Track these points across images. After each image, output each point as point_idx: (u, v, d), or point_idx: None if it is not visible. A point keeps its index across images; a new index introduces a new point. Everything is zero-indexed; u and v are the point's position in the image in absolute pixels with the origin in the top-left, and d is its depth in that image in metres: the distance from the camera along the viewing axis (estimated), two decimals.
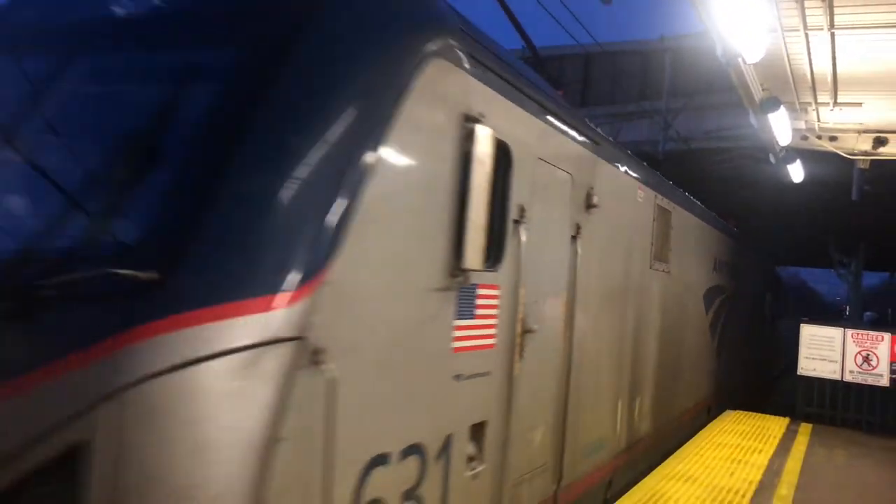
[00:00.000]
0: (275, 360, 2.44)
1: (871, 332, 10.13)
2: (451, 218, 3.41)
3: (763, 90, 7.91)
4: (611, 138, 6.80)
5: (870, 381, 9.97)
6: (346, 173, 2.77)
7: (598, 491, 6.08)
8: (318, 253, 2.63)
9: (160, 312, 2.33)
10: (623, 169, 6.43)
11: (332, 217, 2.69)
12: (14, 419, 2.26)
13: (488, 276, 3.85)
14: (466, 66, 3.57)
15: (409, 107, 3.08)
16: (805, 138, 9.99)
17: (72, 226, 2.71)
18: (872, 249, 29.44)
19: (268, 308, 2.45)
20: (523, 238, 4.20)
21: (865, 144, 9.87)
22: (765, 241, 25.00)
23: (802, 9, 6.02)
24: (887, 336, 9.98)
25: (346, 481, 2.82)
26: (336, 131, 2.80)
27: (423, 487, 3.34)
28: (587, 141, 5.44)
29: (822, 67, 7.33)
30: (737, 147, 15.53)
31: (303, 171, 2.67)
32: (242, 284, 2.46)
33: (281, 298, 2.48)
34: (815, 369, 10.31)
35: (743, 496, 6.30)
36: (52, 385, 2.27)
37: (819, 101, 8.58)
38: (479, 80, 3.68)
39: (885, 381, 9.88)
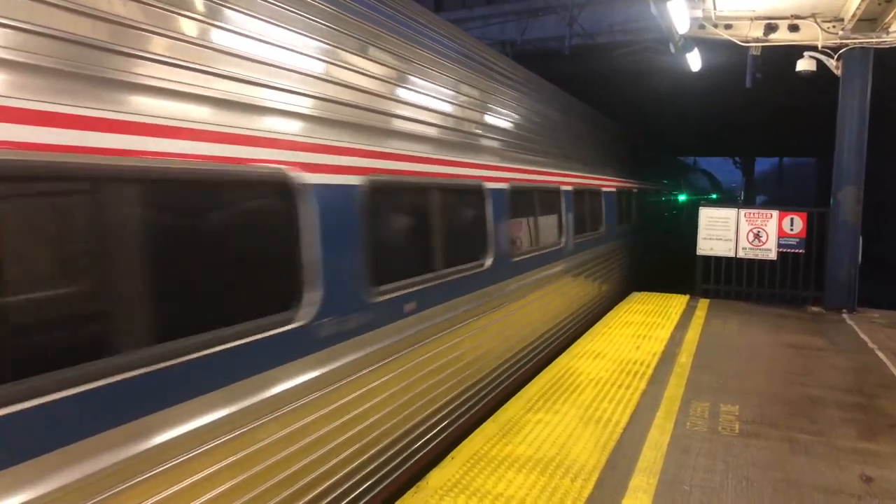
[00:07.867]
0: None
1: (762, 211, 10.88)
2: None
3: None
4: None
5: (760, 255, 10.81)
6: None
7: None
8: None
9: None
10: None
11: None
12: None
13: None
14: None
15: None
16: (702, 27, 10.27)
17: None
18: (764, 136, 31.05)
19: None
20: None
21: (757, 31, 10.25)
22: (668, 133, 25.85)
23: None
24: (775, 213, 10.77)
25: None
26: None
27: None
28: None
29: None
30: (639, 40, 15.72)
31: None
32: None
33: None
34: (712, 249, 11.06)
35: (648, 366, 6.86)
36: None
37: None
38: None
39: (773, 255, 10.74)
